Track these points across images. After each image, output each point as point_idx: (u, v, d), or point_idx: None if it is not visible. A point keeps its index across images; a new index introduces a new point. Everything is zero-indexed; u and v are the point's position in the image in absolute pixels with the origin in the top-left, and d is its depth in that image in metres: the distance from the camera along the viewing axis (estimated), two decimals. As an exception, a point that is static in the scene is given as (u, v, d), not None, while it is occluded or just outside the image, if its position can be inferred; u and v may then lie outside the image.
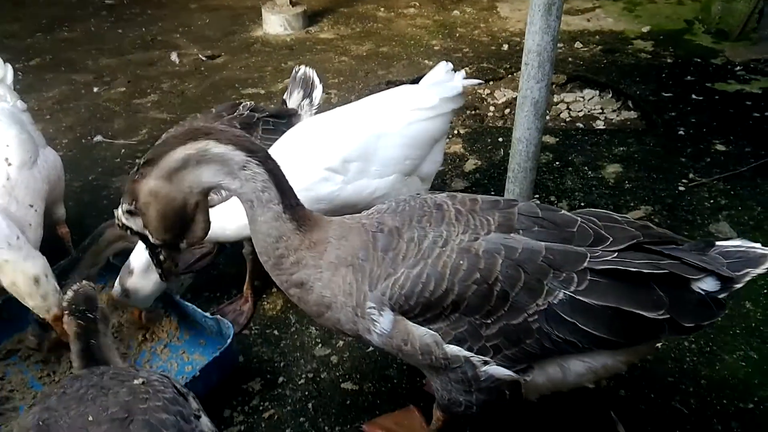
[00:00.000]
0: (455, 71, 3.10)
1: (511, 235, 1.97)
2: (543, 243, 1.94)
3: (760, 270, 1.94)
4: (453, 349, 1.95)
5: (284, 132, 3.01)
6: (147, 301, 2.82)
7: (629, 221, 2.06)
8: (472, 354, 1.94)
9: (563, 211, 2.09)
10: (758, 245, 1.98)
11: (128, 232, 1.91)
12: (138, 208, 1.85)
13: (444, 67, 3.10)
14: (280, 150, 2.89)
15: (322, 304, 2.05)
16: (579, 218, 2.03)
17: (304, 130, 2.94)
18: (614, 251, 1.93)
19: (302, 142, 2.85)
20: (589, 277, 1.88)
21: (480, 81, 3.68)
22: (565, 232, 1.99)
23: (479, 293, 1.89)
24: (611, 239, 1.96)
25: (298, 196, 2.68)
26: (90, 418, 1.59)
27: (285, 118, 3.30)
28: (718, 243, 2.02)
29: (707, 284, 1.92)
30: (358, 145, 2.78)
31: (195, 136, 1.80)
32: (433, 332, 1.95)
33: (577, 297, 1.87)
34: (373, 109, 2.93)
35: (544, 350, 1.91)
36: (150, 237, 1.90)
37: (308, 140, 2.85)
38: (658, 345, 2.78)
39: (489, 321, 1.91)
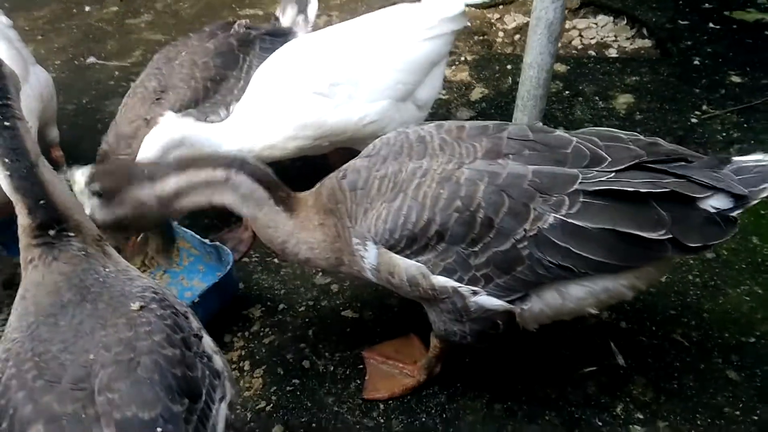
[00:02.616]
0: None
1: (498, 160, 1.90)
2: (531, 167, 1.87)
3: None
4: (440, 280, 1.93)
5: (282, 50, 2.87)
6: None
7: (636, 139, 1.98)
8: (461, 285, 1.92)
9: (558, 132, 2.01)
10: None
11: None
12: (106, 193, 2.00)
13: None
14: (266, 72, 2.76)
15: (332, 264, 2.16)
16: (575, 139, 1.95)
17: (291, 51, 2.79)
18: (612, 171, 1.86)
19: (289, 65, 2.71)
20: (581, 199, 1.82)
21: (483, 0, 3.47)
22: (558, 154, 1.91)
23: (461, 221, 1.85)
24: (610, 159, 1.88)
25: (285, 121, 2.67)
26: (91, 356, 1.43)
27: (282, 36, 3.15)
28: (735, 158, 1.94)
29: (719, 201, 1.85)
30: (346, 67, 2.64)
31: (182, 167, 2.02)
32: (419, 264, 1.93)
33: (569, 220, 1.81)
34: (365, 29, 2.77)
35: (539, 277, 1.88)
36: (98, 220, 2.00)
37: (295, 63, 2.71)
38: (662, 278, 2.75)
39: (476, 249, 1.87)
